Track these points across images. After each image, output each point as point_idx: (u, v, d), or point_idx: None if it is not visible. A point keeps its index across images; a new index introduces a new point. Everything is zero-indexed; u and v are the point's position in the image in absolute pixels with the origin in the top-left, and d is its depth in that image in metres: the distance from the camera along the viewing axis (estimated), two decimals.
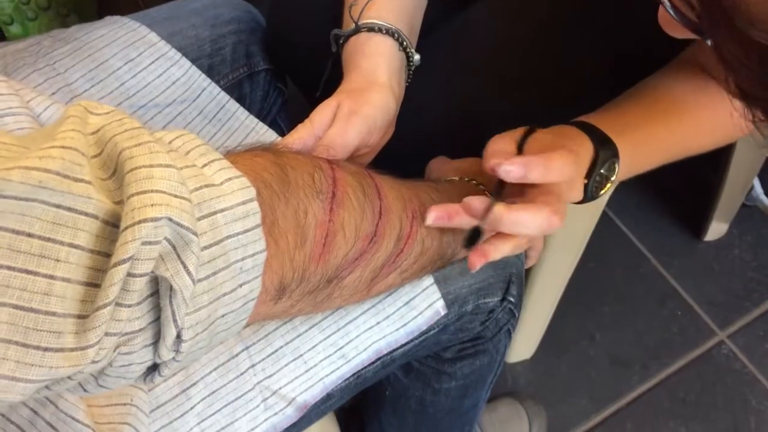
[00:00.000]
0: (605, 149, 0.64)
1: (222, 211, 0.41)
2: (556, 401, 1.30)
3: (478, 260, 0.56)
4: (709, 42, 0.43)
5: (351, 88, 0.63)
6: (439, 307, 0.68)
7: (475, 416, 0.92)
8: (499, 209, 0.54)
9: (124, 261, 0.34)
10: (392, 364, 0.69)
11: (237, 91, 0.86)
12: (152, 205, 0.35)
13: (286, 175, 0.48)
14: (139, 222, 0.34)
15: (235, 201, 0.42)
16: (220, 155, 0.44)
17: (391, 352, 0.67)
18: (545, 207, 0.55)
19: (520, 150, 0.60)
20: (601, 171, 0.65)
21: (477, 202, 0.55)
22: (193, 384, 0.61)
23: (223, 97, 0.80)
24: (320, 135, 0.60)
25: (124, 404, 0.55)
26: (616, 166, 0.66)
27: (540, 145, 0.59)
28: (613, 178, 0.66)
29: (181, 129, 0.45)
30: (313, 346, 0.64)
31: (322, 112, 0.61)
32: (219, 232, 0.40)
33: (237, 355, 0.62)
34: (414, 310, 0.67)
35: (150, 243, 0.35)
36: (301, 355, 0.64)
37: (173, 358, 0.40)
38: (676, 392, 1.33)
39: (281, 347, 0.63)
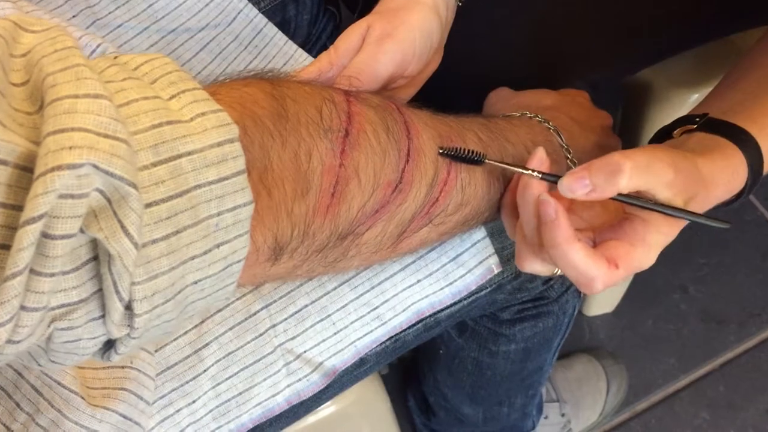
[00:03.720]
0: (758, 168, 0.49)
1: (189, 154, 0.33)
2: (639, 359, 1.19)
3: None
4: None
5: (387, 8, 0.53)
6: (493, 264, 0.59)
7: (541, 379, 0.83)
8: (555, 233, 0.43)
9: (34, 219, 0.27)
10: (437, 326, 0.61)
11: (280, 15, 0.77)
12: (71, 147, 0.27)
13: (284, 108, 0.39)
14: (53, 170, 0.27)
15: (208, 142, 0.33)
16: (197, 85, 0.35)
17: (434, 313, 0.59)
18: (602, 266, 0.43)
19: None
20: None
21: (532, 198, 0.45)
22: (206, 344, 0.54)
23: (261, 20, 0.72)
24: (345, 64, 0.50)
25: (122, 367, 0.49)
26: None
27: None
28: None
29: (157, 53, 0.37)
30: (343, 306, 0.56)
31: (349, 37, 0.51)
32: (184, 180, 0.32)
33: (255, 313, 0.55)
34: (462, 267, 0.58)
35: (71, 196, 0.27)
36: (329, 316, 0.56)
37: (128, 335, 0.33)
38: None
39: (306, 306, 0.56)
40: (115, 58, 0.36)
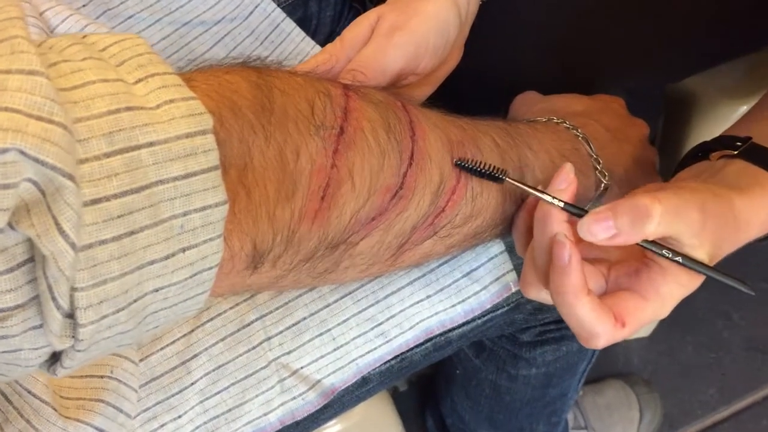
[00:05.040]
0: None
1: (150, 145, 0.29)
2: (676, 389, 1.13)
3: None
4: None
5: None
6: (510, 282, 0.54)
7: (565, 406, 0.78)
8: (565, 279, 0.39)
9: None
10: (448, 346, 0.56)
11: (301, 11, 0.74)
12: None
13: (270, 100, 0.35)
14: None
15: (174, 132, 0.30)
16: (169, 69, 0.32)
17: (444, 332, 0.54)
18: (608, 322, 0.39)
19: None
20: None
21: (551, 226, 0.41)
22: (195, 355, 0.51)
23: (278, 15, 0.68)
24: (351, 56, 0.46)
25: (101, 377, 0.46)
26: None
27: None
28: None
29: (129, 33, 0.33)
30: (345, 320, 0.52)
31: (356, 28, 0.47)
32: (142, 174, 0.29)
33: (249, 324, 0.51)
34: (476, 283, 0.53)
35: None
36: (329, 330, 0.52)
37: (72, 347, 0.29)
38: None
39: (304, 319, 0.52)
40: (84, 37, 0.32)
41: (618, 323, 0.40)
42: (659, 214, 0.38)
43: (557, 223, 0.40)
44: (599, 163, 0.50)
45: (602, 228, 0.39)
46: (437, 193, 0.40)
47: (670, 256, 0.39)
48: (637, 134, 0.56)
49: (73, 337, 0.29)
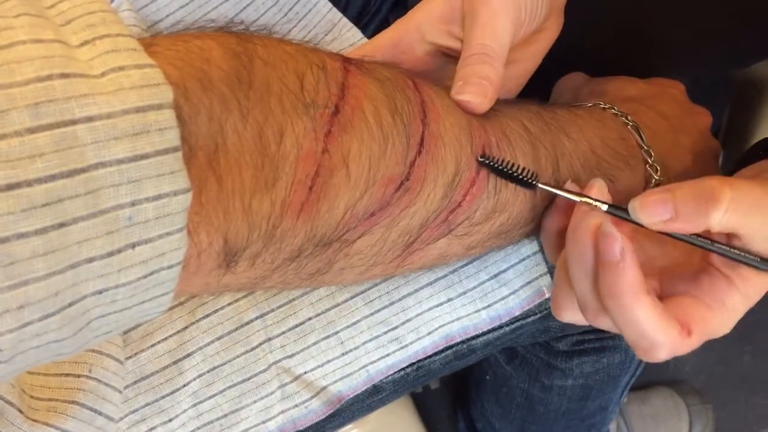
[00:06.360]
0: None
1: (89, 120, 0.24)
2: (731, 400, 1.05)
3: None
4: None
5: None
6: (544, 287, 0.48)
7: (605, 420, 0.71)
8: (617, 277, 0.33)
9: None
10: (471, 354, 0.50)
11: None
12: None
13: (250, 71, 0.30)
14: None
15: (121, 105, 0.25)
16: (125, 30, 0.26)
17: (467, 340, 0.49)
18: (673, 331, 0.33)
19: None
20: None
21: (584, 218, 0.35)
22: (188, 354, 0.46)
23: None
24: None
25: (77, 376, 0.42)
26: None
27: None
28: None
29: None
30: (355, 322, 0.47)
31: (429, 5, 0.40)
32: (77, 155, 0.24)
33: (248, 323, 0.46)
34: (504, 286, 0.47)
35: None
36: (337, 333, 0.47)
37: None
38: None
39: (309, 319, 0.47)
40: None
41: (684, 331, 0.34)
42: (729, 200, 0.32)
43: (599, 218, 0.34)
44: (651, 156, 0.44)
45: (660, 208, 0.33)
46: (452, 186, 0.35)
47: (744, 258, 0.33)
48: (698, 124, 0.49)
49: None
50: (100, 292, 0.26)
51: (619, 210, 0.35)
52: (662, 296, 0.36)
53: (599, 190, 0.36)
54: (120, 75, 0.25)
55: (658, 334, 0.33)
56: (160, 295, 0.28)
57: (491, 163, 0.35)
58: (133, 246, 0.26)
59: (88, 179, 0.24)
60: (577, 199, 0.35)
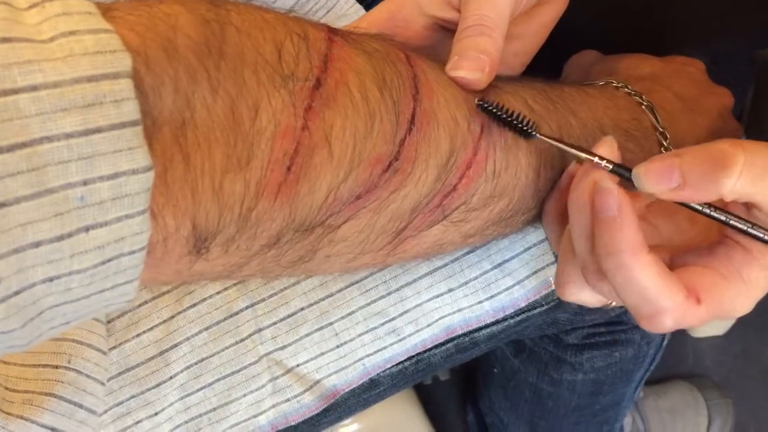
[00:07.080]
0: None
1: (33, 89, 0.22)
2: (752, 395, 1.01)
3: None
4: None
5: None
6: (551, 276, 0.45)
7: (618, 415, 0.68)
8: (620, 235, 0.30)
9: None
10: (474, 348, 0.48)
11: None
12: None
13: (221, 40, 0.27)
14: None
15: (71, 74, 0.22)
16: None
17: (469, 332, 0.46)
18: (678, 294, 0.30)
19: None
20: None
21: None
22: (175, 345, 0.44)
23: None
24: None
25: (56, 367, 0.40)
26: None
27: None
28: None
29: None
30: (350, 313, 0.45)
31: None
32: (20, 128, 0.22)
33: (238, 313, 0.44)
34: (509, 276, 0.45)
35: None
36: (331, 324, 0.45)
37: None
38: None
39: (302, 309, 0.44)
40: None
41: (691, 297, 0.30)
42: (742, 164, 0.28)
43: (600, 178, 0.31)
44: (666, 138, 0.41)
45: (665, 175, 0.30)
46: (446, 167, 0.32)
47: (753, 230, 0.30)
48: (717, 105, 0.46)
49: None
50: (51, 280, 0.24)
51: (627, 171, 0.32)
52: (672, 267, 0.33)
53: (609, 148, 0.33)
54: (71, 40, 0.23)
55: (661, 297, 0.29)
56: (122, 283, 0.26)
57: (490, 107, 0.33)
58: (87, 229, 0.24)
59: (32, 154, 0.22)
60: (582, 155, 0.32)
